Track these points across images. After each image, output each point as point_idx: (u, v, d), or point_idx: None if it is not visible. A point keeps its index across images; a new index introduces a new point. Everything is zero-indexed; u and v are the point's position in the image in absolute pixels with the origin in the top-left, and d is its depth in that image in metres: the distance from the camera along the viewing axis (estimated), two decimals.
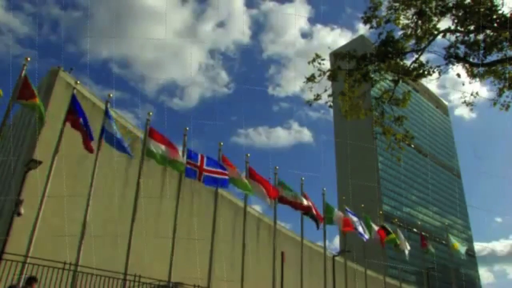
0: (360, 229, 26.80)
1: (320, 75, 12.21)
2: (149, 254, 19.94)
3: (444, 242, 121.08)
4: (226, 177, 17.66)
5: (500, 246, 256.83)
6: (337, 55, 12.50)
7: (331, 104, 12.45)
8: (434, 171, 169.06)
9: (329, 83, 12.52)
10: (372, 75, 12.39)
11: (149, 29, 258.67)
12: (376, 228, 28.77)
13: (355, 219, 26.56)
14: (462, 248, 34.19)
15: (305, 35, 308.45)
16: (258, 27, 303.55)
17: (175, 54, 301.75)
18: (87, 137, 14.85)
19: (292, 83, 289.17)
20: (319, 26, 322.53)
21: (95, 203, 14.71)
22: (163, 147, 16.41)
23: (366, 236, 27.42)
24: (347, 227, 26.08)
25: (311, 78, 12.20)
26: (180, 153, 16.87)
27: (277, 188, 20.46)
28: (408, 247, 31.45)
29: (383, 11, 12.37)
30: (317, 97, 12.32)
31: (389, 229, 31.34)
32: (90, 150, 14.91)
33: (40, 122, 14.31)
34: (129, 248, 14.59)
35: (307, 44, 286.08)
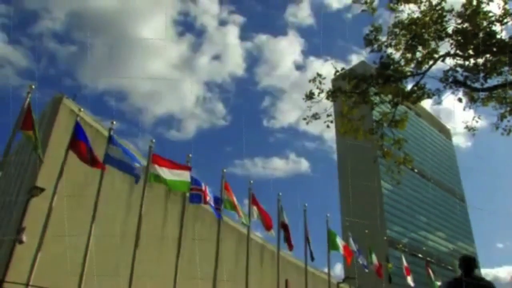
0: (360, 259, 27.09)
1: (319, 94, 12.23)
2: (151, 281, 19.72)
3: (450, 267, 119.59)
4: (219, 210, 18.44)
5: (504, 272, 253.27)
6: (338, 76, 12.59)
7: (328, 125, 12.38)
8: (439, 195, 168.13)
9: (328, 106, 12.52)
10: (372, 98, 12.42)
11: (146, 63, 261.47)
12: (376, 262, 28.83)
13: (355, 249, 26.75)
14: None
15: (299, 67, 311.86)
16: (253, 59, 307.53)
17: (172, 86, 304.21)
18: (92, 159, 15.08)
19: (287, 114, 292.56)
20: (312, 58, 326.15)
21: (97, 230, 14.65)
22: (166, 170, 16.56)
23: (366, 264, 27.65)
24: (348, 255, 26.25)
25: (310, 95, 12.21)
26: (188, 173, 16.98)
27: (270, 217, 20.66)
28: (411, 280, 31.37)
29: (383, 36, 12.51)
30: (316, 115, 12.30)
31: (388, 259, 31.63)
32: (99, 166, 15.12)
33: (36, 152, 14.19)
34: (132, 275, 14.46)
35: (301, 76, 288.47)
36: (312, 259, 23.50)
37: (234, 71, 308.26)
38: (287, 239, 21.60)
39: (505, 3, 11.05)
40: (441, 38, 11.90)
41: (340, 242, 25.89)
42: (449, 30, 11.80)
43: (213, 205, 17.90)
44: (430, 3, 11.90)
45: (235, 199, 18.80)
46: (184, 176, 16.78)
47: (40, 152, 14.04)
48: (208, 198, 17.57)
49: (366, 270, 28.05)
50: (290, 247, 21.98)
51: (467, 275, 6.22)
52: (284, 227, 21.39)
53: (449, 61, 12.06)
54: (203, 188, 17.53)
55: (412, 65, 12.33)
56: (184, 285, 16.77)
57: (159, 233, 24.22)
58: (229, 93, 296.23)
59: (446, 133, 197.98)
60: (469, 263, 6.34)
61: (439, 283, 33.44)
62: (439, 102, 13.01)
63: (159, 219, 24.90)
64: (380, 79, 12.12)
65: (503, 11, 11.16)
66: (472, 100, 12.46)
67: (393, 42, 12.35)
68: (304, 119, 12.39)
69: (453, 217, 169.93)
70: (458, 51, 11.78)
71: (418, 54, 12.24)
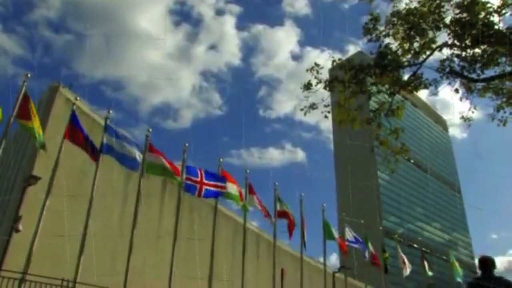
0: (360, 245, 27.23)
1: (317, 84, 12.21)
2: (148, 271, 19.80)
3: (445, 258, 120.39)
4: (224, 190, 17.87)
5: (497, 262, 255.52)
6: (336, 66, 12.57)
7: (326, 115, 12.37)
8: (435, 186, 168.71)
9: (325, 96, 12.51)
10: (369, 88, 12.41)
11: (142, 52, 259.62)
12: (372, 250, 29.00)
13: (352, 238, 26.84)
14: (459, 273, 33.59)
15: (295, 57, 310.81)
16: (249, 49, 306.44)
17: (168, 76, 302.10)
18: (90, 150, 15.03)
19: (283, 104, 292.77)
20: (309, 48, 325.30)
21: (94, 220, 14.63)
22: (163, 161, 16.47)
23: (366, 254, 27.81)
24: (344, 245, 26.40)
25: (307, 85, 12.20)
26: (179, 169, 16.84)
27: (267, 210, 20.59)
28: (410, 268, 31.55)
29: (381, 25, 12.48)
30: (313, 105, 12.29)
31: (384, 248, 31.89)
32: (95, 159, 15.11)
33: (37, 142, 13.95)
34: (128, 265, 14.48)
35: (297, 66, 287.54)
36: (305, 247, 23.55)
37: (230, 61, 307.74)
38: (289, 228, 21.52)
39: None
40: (438, 28, 11.88)
41: (335, 232, 26.01)
42: (447, 20, 11.78)
43: (214, 189, 17.61)
44: None
45: (236, 184, 18.58)
46: (175, 174, 16.74)
47: (41, 140, 13.82)
48: (202, 191, 17.30)
49: (366, 259, 28.18)
50: (290, 236, 21.95)
51: (486, 275, 6.72)
52: (285, 216, 21.35)
53: (446, 52, 12.07)
54: (198, 178, 17.33)
55: (410, 55, 12.32)
56: (181, 274, 16.84)
57: (155, 223, 24.28)
58: (225, 83, 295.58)
59: (442, 124, 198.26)
60: (487, 263, 6.83)
61: (431, 274, 33.79)
62: (435, 93, 13.05)
63: (156, 209, 24.95)
64: (377, 69, 12.11)
65: (501, 2, 11.15)
66: (469, 91, 12.49)
67: (391, 32, 12.33)
68: (302, 109, 12.38)
69: (449, 208, 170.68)
70: (455, 42, 11.78)
71: (416, 44, 12.23)
